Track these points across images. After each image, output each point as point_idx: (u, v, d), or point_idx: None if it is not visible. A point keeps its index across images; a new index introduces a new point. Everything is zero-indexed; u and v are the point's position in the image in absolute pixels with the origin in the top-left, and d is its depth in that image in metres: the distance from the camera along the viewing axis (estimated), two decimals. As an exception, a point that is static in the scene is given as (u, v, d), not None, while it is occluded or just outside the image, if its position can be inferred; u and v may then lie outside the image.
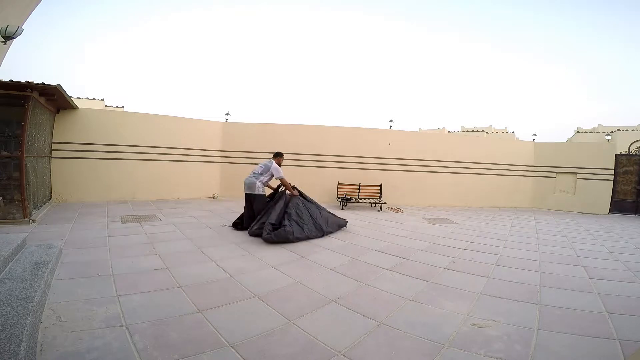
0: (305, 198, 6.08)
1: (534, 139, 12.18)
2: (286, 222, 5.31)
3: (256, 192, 5.75)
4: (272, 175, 5.89)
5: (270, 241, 5.02)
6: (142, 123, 8.86)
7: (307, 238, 5.36)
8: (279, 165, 6.02)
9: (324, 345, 2.33)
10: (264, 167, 5.90)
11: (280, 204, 5.68)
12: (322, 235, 5.62)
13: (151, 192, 8.86)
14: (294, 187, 6.01)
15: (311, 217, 5.72)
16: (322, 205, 6.45)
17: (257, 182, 5.77)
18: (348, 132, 10.66)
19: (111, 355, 2.07)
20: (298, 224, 5.42)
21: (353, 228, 6.56)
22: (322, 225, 5.75)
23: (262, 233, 5.17)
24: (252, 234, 5.39)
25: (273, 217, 5.41)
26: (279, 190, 6.07)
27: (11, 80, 5.19)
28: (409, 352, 2.30)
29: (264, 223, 5.36)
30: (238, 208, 6.12)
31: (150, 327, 2.44)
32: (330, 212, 6.26)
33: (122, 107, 15.56)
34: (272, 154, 6.29)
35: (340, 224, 6.26)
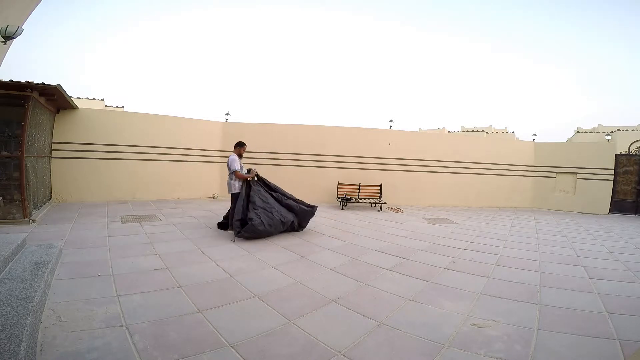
0: (268, 185, 5.91)
1: (534, 139, 12.18)
2: (252, 215, 5.21)
3: (232, 192, 5.62)
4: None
5: (247, 237, 5.10)
6: (142, 123, 8.86)
7: (282, 224, 5.44)
8: (240, 155, 5.79)
9: (324, 345, 2.33)
10: (227, 164, 5.71)
11: (242, 194, 5.50)
12: (297, 223, 5.75)
13: (151, 192, 8.86)
14: (255, 173, 5.80)
15: (276, 200, 5.69)
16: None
17: (231, 181, 5.64)
18: (348, 132, 10.66)
19: (111, 355, 2.07)
20: (265, 209, 5.38)
21: (353, 228, 6.56)
22: (293, 206, 5.75)
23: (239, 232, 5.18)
24: (236, 236, 5.23)
25: (238, 212, 5.32)
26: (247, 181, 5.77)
27: (11, 80, 5.20)
28: (409, 352, 2.30)
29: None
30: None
31: (150, 327, 2.45)
32: (297, 200, 5.98)
33: (122, 107, 15.57)
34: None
35: (311, 211, 5.97)
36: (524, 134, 45.05)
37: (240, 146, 5.85)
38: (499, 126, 22.06)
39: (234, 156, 5.65)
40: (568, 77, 66.66)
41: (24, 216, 5.45)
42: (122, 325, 2.43)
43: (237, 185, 5.60)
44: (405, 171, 10.74)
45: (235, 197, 5.59)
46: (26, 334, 1.90)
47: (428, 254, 4.84)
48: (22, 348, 1.76)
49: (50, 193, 7.57)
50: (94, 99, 14.52)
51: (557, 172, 11.27)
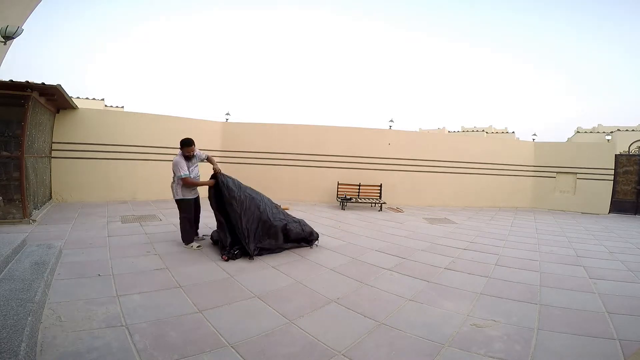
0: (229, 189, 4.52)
1: (534, 139, 12.17)
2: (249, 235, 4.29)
3: (175, 198, 4.65)
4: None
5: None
6: (142, 123, 8.85)
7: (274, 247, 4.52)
8: (189, 156, 4.59)
9: (324, 345, 2.33)
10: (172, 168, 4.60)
11: (213, 205, 4.56)
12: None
13: (151, 192, 8.85)
14: (217, 174, 4.61)
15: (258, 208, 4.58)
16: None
17: (173, 184, 4.62)
18: (348, 132, 10.65)
19: (111, 355, 2.07)
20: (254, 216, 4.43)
21: (353, 228, 6.56)
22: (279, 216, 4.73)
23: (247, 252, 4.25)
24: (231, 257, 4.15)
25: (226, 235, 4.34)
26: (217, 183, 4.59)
27: (11, 80, 5.19)
28: (409, 352, 2.30)
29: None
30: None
31: (150, 327, 2.44)
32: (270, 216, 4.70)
33: (122, 107, 15.56)
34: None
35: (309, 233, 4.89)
36: (523, 133, 45.16)
37: (185, 145, 4.56)
38: (499, 126, 22.06)
39: (179, 158, 4.52)
40: (568, 77, 66.66)
41: (24, 216, 5.45)
42: (122, 325, 2.43)
43: (178, 192, 4.59)
44: (405, 171, 10.74)
45: (181, 204, 4.66)
46: (26, 334, 1.90)
47: (428, 254, 4.84)
48: (22, 348, 1.76)
49: (50, 193, 7.57)
50: (94, 99, 14.51)
51: (557, 172, 11.26)
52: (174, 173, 4.60)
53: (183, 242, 4.67)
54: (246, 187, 4.75)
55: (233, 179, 4.71)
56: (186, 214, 4.68)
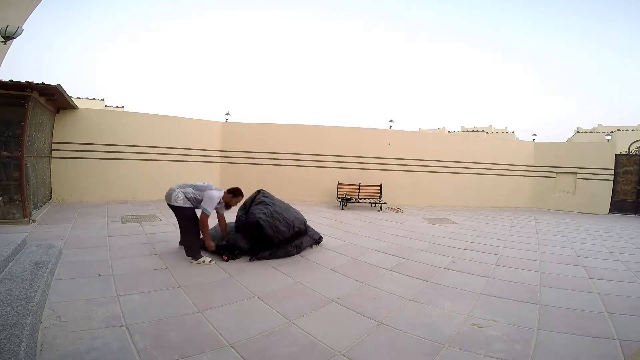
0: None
1: (534, 139, 12.17)
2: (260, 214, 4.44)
3: (174, 204, 4.09)
4: (200, 200, 4.11)
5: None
6: (142, 123, 8.85)
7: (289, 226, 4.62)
8: (228, 205, 4.42)
9: (324, 345, 2.33)
10: (202, 185, 4.26)
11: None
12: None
13: (151, 192, 8.84)
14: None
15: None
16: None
17: (178, 191, 4.11)
18: (348, 132, 10.66)
19: (111, 355, 2.07)
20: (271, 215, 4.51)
21: (353, 228, 6.56)
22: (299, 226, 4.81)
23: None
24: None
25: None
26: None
27: (11, 80, 5.19)
28: (409, 352, 2.30)
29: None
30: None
31: (150, 327, 2.44)
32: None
33: (122, 107, 15.56)
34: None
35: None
36: (523, 133, 45.17)
37: (234, 195, 4.35)
38: (499, 126, 22.05)
39: (217, 196, 4.13)
40: (568, 77, 66.63)
41: (24, 216, 5.44)
42: (122, 325, 2.43)
43: (180, 199, 4.05)
44: (405, 171, 10.74)
45: (184, 211, 4.11)
46: (26, 334, 1.90)
47: (428, 254, 4.84)
48: (22, 348, 1.76)
49: (50, 193, 7.57)
50: (94, 99, 14.51)
51: (557, 172, 11.27)
52: (200, 195, 4.13)
53: (189, 256, 4.05)
54: (279, 205, 4.85)
55: (265, 202, 4.82)
56: (190, 222, 4.15)
